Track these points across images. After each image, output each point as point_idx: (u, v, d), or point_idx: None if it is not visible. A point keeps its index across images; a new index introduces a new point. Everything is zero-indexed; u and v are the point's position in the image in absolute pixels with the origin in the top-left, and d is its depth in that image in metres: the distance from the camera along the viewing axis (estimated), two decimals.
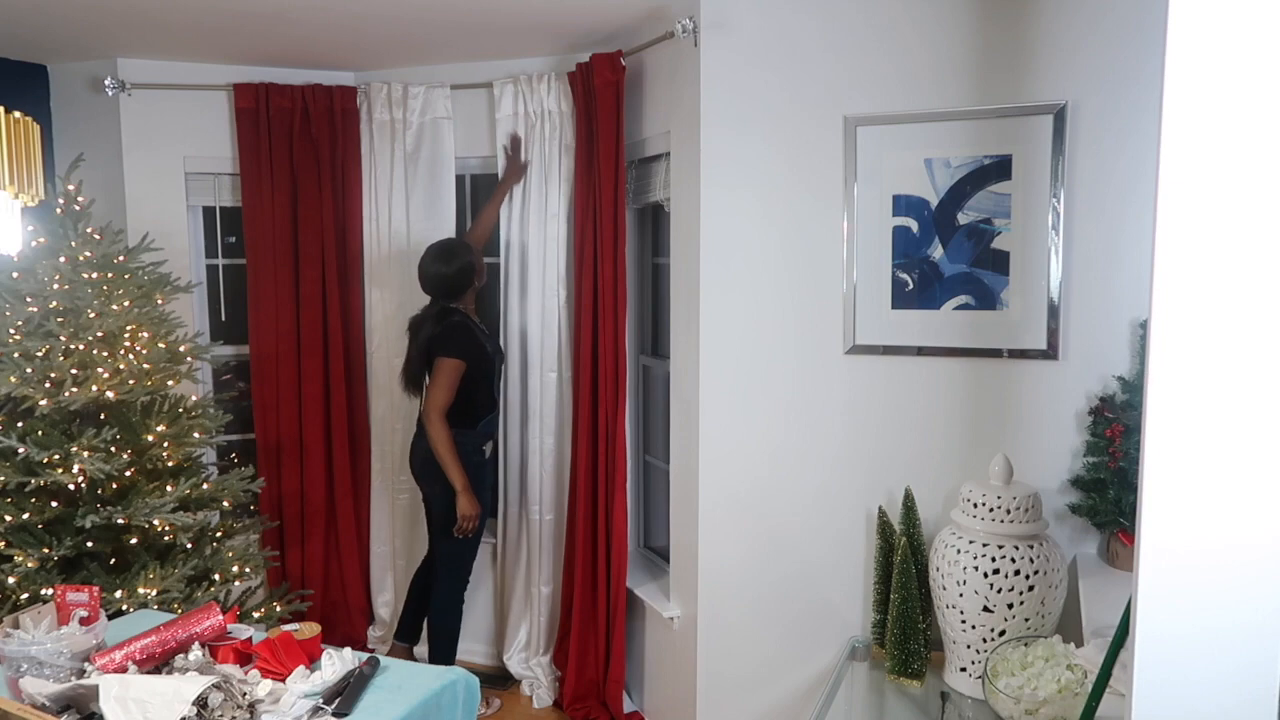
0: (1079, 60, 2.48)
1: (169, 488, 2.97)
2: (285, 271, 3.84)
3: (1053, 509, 2.58)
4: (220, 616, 2.05)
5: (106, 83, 3.62)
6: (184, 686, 1.76)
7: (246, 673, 1.93)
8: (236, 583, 3.18)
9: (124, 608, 2.74)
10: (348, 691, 1.90)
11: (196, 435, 3.13)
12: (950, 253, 2.67)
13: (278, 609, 3.28)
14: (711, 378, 2.96)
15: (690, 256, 3.01)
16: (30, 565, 2.80)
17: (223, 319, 4.01)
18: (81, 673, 1.90)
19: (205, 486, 3.10)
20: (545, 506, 3.72)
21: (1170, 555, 0.98)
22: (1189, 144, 0.93)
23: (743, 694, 3.04)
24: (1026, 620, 2.35)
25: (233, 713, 1.78)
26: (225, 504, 3.21)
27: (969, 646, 2.42)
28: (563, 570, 3.70)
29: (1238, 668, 0.97)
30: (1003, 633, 2.36)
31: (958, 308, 2.68)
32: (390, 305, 3.93)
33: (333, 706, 1.86)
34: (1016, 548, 2.35)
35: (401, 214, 3.84)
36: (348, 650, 2.07)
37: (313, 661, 2.04)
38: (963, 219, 2.65)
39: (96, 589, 2.11)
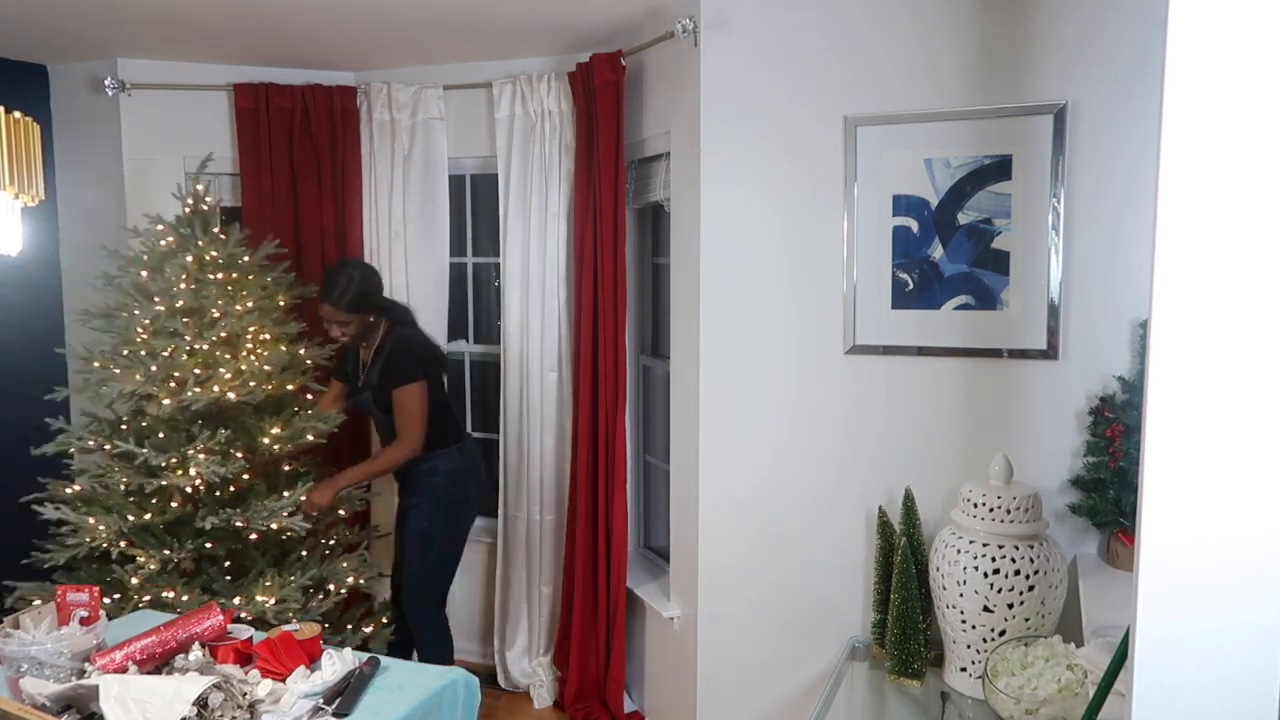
0: (1079, 60, 2.48)
1: (286, 492, 2.98)
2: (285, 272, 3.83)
3: (1053, 509, 2.58)
4: (220, 616, 2.05)
5: (106, 83, 3.61)
6: (184, 686, 1.76)
7: (247, 673, 1.93)
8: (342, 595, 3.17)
9: (242, 615, 2.73)
10: (348, 691, 1.90)
11: (310, 438, 3.11)
12: (950, 253, 2.67)
13: (371, 630, 3.32)
14: (711, 378, 2.96)
15: (690, 256, 3.01)
16: (152, 567, 2.83)
17: None
18: (81, 673, 1.90)
19: None
20: (545, 506, 3.71)
21: (1170, 555, 0.97)
22: (1189, 144, 0.93)
23: (743, 694, 3.04)
24: (1026, 620, 2.35)
25: (233, 713, 1.78)
26: (341, 511, 3.21)
27: (969, 646, 2.42)
28: (563, 570, 3.70)
29: (1238, 668, 0.96)
30: (1003, 633, 2.36)
31: (958, 308, 2.68)
32: None
33: (333, 706, 1.86)
34: (1016, 548, 2.35)
35: (400, 214, 3.84)
36: (348, 650, 2.07)
37: (313, 661, 2.04)
38: (963, 219, 2.65)
39: (97, 589, 2.11)
